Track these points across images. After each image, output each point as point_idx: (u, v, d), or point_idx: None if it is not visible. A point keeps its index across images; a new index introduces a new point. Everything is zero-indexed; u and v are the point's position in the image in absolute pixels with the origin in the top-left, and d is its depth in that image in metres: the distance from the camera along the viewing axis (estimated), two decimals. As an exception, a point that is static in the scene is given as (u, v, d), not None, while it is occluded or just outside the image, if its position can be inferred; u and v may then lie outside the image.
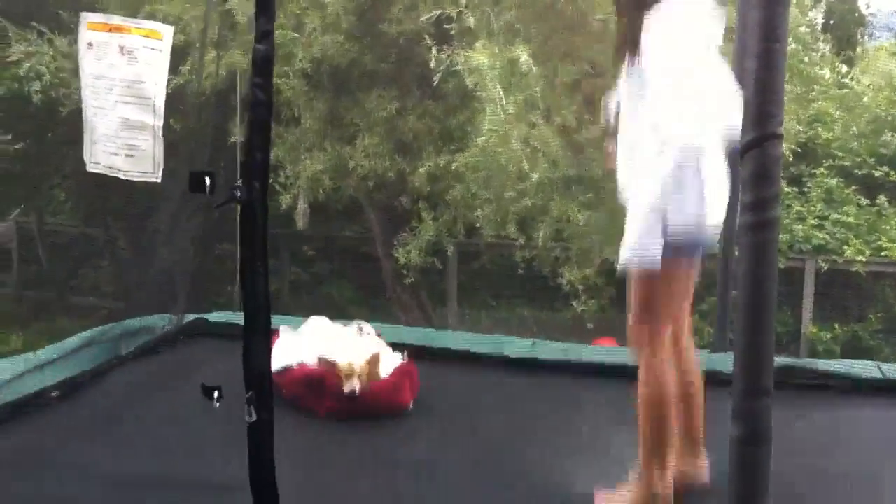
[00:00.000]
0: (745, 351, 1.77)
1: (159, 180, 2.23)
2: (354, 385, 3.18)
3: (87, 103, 2.37)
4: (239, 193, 1.64)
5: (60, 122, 7.23)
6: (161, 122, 2.17)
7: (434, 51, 5.48)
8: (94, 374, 3.52)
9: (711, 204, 2.37)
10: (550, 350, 3.94)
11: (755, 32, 1.94)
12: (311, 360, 3.34)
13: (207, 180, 1.66)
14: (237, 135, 5.85)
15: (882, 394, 3.47)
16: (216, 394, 1.91)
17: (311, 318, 3.74)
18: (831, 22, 11.26)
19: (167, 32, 2.26)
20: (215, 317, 4.29)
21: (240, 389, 1.76)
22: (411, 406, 3.32)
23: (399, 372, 3.37)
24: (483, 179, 5.87)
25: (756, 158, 1.84)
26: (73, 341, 3.73)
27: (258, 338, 1.73)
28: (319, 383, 3.22)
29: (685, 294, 2.61)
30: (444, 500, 2.58)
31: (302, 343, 3.48)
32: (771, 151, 1.86)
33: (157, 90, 2.18)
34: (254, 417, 1.71)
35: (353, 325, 3.65)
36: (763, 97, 1.88)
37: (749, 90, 1.93)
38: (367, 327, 3.65)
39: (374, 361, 3.28)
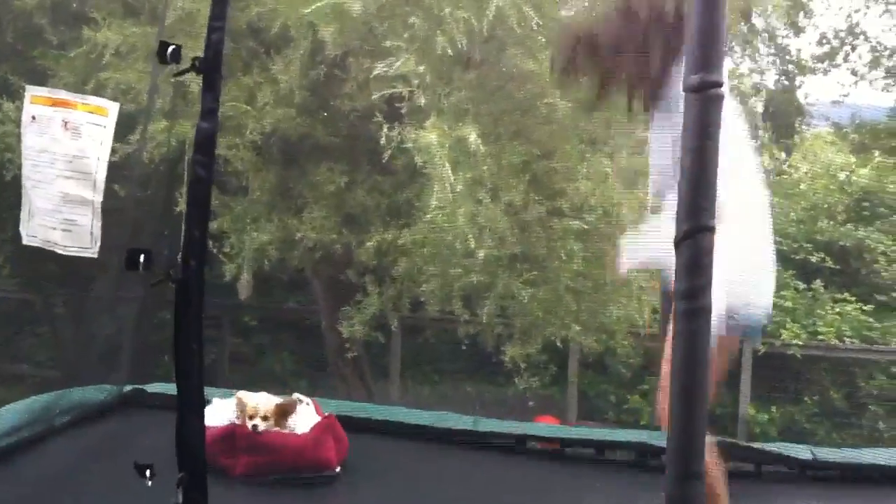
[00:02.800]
0: (677, 436, 1.80)
1: (96, 256, 2.20)
2: (257, 422, 3.13)
3: (27, 176, 2.35)
4: (174, 272, 1.64)
5: (4, 186, 7.13)
6: (101, 198, 2.16)
7: (385, 128, 5.55)
8: (28, 443, 3.41)
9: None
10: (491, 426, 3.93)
11: (690, 129, 2.02)
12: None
13: (141, 258, 1.65)
14: (182, 205, 5.82)
15: (817, 482, 3.52)
16: (148, 472, 1.88)
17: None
18: (771, 110, 11.69)
19: (113, 109, 2.27)
20: (153, 388, 4.21)
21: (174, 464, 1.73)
22: (338, 469, 3.25)
23: (320, 427, 3.30)
24: (429, 255, 5.90)
25: (689, 249, 1.90)
26: (10, 409, 3.60)
27: (191, 418, 1.71)
28: (232, 437, 3.15)
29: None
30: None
31: (228, 408, 3.42)
32: (702, 243, 1.92)
33: (100, 165, 2.17)
34: (180, 500, 1.68)
35: (293, 396, 3.62)
36: (696, 191, 1.95)
37: (683, 184, 2.00)
38: (307, 399, 3.62)
39: (287, 407, 3.22)
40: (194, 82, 5.52)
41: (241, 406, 3.22)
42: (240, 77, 6.02)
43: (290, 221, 6.31)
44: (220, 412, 3.33)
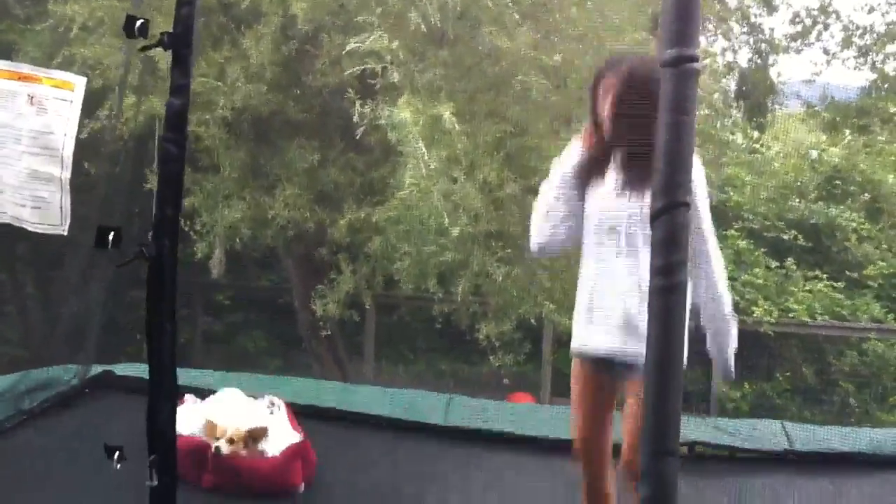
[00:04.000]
0: (652, 412, 1.80)
1: (66, 233, 2.15)
2: (221, 444, 3.10)
3: (-8, 152, 2.29)
4: (147, 250, 1.60)
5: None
6: (69, 174, 2.11)
7: (358, 104, 5.50)
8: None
9: None
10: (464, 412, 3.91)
11: (665, 104, 2.01)
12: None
13: (111, 236, 1.61)
14: (153, 182, 5.74)
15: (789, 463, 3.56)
16: (117, 454, 1.85)
17: (224, 389, 3.65)
18: (744, 89, 11.71)
19: (79, 83, 2.21)
20: (122, 369, 4.17)
21: (145, 448, 1.70)
22: (302, 488, 3.24)
23: (291, 452, 3.27)
24: (403, 233, 5.87)
25: (664, 225, 1.88)
26: None
27: (163, 400, 1.68)
28: (201, 453, 3.12)
29: None
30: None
31: (201, 413, 3.38)
32: (678, 219, 1.91)
33: (67, 141, 2.11)
34: (156, 482, 1.65)
35: (265, 399, 3.57)
36: (672, 167, 1.94)
37: (659, 159, 1.99)
38: (279, 402, 3.57)
39: (256, 434, 3.19)
40: (164, 58, 5.46)
41: (211, 427, 3.16)
42: (210, 52, 5.93)
43: (262, 199, 6.25)
44: (190, 417, 3.26)
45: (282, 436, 3.31)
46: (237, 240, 6.36)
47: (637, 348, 2.30)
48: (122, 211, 6.11)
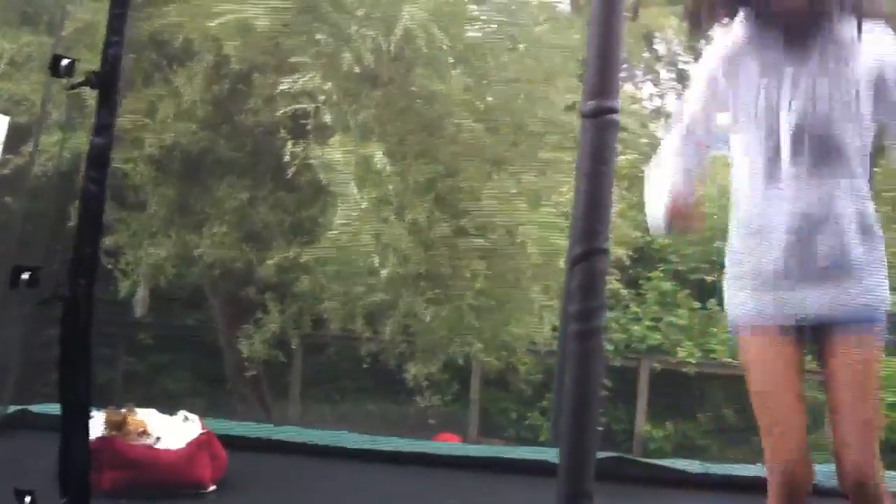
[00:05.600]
0: (568, 454, 1.84)
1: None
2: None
3: None
4: (62, 290, 1.59)
5: None
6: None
7: (289, 144, 5.51)
8: None
9: None
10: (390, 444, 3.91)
11: (585, 154, 2.08)
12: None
13: (25, 276, 1.59)
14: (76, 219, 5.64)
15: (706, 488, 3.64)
16: (28, 499, 1.80)
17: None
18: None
19: (2, 121, 2.18)
20: (38, 408, 4.05)
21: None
22: (212, 487, 3.17)
23: (195, 443, 3.20)
24: (332, 273, 5.87)
25: (583, 271, 1.95)
26: None
27: (77, 439, 1.66)
28: (99, 452, 3.01)
29: None
30: None
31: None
32: (597, 265, 1.98)
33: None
34: (65, 526, 1.62)
35: (179, 415, 3.50)
36: (591, 214, 2.01)
37: (579, 207, 2.06)
38: (194, 417, 3.50)
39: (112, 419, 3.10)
40: (92, 95, 5.39)
41: (109, 420, 3.09)
42: (141, 89, 5.88)
43: (188, 237, 6.18)
44: (93, 424, 3.18)
45: (188, 433, 3.22)
46: (162, 278, 6.28)
47: (860, 296, 1.95)
48: (42, 248, 5.99)
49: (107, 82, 1.82)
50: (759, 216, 2.06)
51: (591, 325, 1.94)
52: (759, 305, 2.04)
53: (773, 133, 2.01)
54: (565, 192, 5.91)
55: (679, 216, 2.14)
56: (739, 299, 2.09)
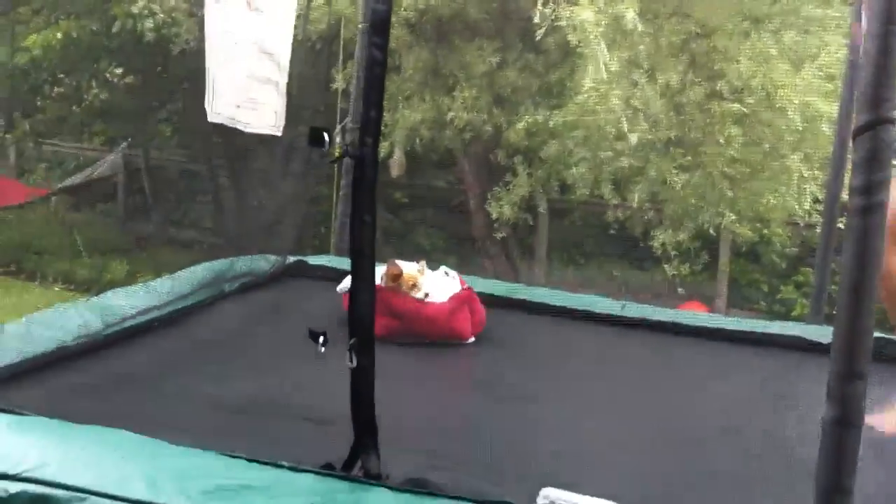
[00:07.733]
0: (843, 334, 1.77)
1: (280, 134, 2.28)
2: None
3: (210, 56, 2.42)
4: (351, 149, 1.71)
5: (171, 60, 7.45)
6: (286, 79, 2.22)
7: (539, 5, 5.43)
8: (201, 307, 3.63)
9: None
10: (639, 311, 3.91)
11: (874, 12, 1.89)
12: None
13: (326, 137, 1.72)
14: (339, 82, 5.93)
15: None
16: (322, 339, 2.01)
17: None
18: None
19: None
20: (314, 260, 4.40)
21: (338, 330, 1.85)
22: (471, 339, 3.33)
23: (457, 298, 3.34)
24: (580, 138, 5.84)
25: (867, 142, 1.81)
26: (187, 275, 3.79)
27: (363, 286, 1.81)
28: (377, 300, 3.22)
29: None
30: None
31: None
32: (883, 136, 1.82)
33: (283, 45, 2.22)
34: (355, 364, 1.80)
35: (440, 270, 3.66)
36: (878, 80, 1.84)
37: (865, 72, 1.89)
38: (453, 272, 3.65)
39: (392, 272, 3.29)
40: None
41: (389, 273, 3.31)
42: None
43: (441, 101, 6.34)
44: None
45: (451, 289, 3.40)
46: (417, 140, 6.52)
47: None
48: (310, 109, 6.38)
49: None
50: None
51: (874, 200, 1.81)
52: None
53: None
54: (833, 52, 5.43)
55: None
56: None
